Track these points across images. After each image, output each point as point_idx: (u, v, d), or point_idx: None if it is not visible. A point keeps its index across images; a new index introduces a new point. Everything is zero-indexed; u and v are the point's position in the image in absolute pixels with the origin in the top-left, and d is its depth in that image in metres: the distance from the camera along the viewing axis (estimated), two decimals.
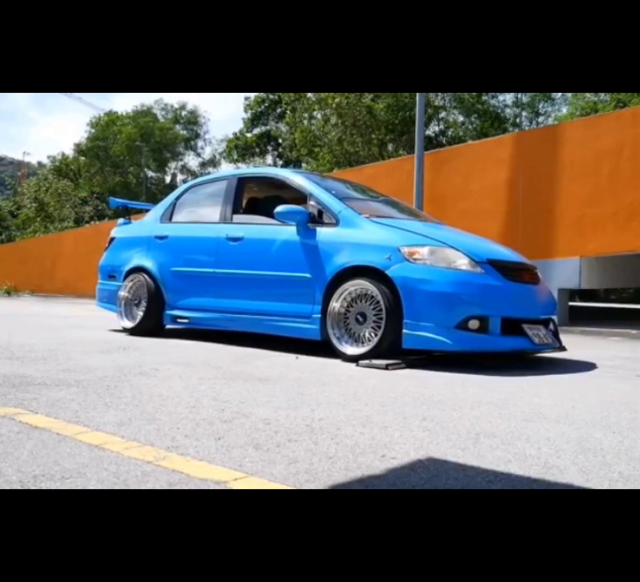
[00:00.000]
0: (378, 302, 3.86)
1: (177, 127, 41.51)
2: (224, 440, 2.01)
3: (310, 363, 3.89)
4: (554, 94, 26.04)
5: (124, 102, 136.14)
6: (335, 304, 4.04)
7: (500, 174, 8.85)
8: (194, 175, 41.70)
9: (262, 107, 31.12)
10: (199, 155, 41.89)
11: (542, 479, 1.70)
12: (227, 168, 35.47)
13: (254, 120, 31.97)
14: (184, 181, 42.19)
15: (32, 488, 1.48)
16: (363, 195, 5.21)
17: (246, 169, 5.71)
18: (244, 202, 5.41)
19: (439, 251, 3.85)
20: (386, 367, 3.67)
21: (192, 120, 41.67)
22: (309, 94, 22.86)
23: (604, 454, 1.95)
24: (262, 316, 4.52)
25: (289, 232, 4.43)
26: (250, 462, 1.79)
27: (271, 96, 29.47)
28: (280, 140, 29.51)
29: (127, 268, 5.66)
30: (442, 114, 24.75)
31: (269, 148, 32.22)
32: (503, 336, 3.78)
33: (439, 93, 23.64)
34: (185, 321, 5.17)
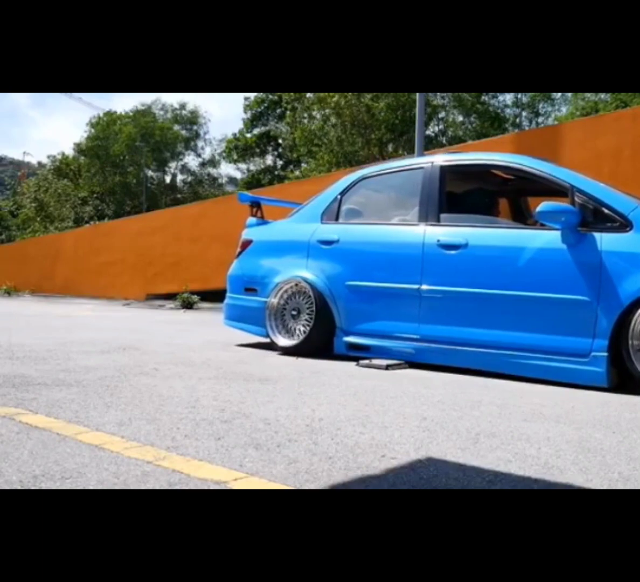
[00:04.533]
0: None
1: (177, 127, 41.54)
2: (224, 440, 2.01)
3: (310, 364, 3.89)
4: (554, 94, 26.05)
5: (124, 102, 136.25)
6: None
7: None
8: (194, 175, 41.68)
9: (262, 107, 31.14)
10: (199, 155, 41.90)
11: (542, 479, 1.70)
12: (226, 169, 35.39)
13: (254, 120, 32.00)
14: (185, 182, 42.26)
15: (33, 488, 1.48)
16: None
17: (445, 155, 4.32)
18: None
19: None
20: (386, 368, 3.67)
21: (193, 120, 41.68)
22: (309, 94, 22.87)
23: (604, 454, 1.95)
24: (502, 350, 3.41)
25: (546, 238, 3.35)
26: (250, 462, 1.79)
27: (271, 96, 29.50)
28: (280, 141, 29.52)
29: (277, 280, 4.37)
30: (442, 114, 24.77)
31: (269, 148, 32.24)
32: None
33: (439, 93, 23.67)
34: (364, 349, 3.98)
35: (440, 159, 4.07)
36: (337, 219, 4.32)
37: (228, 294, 4.85)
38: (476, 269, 3.54)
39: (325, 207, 4.40)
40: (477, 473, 1.75)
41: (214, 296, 11.61)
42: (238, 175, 37.05)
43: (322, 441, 2.04)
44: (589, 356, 3.13)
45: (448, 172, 3.95)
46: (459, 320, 3.58)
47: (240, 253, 4.82)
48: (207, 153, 41.21)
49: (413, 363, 3.81)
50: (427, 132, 21.46)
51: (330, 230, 4.24)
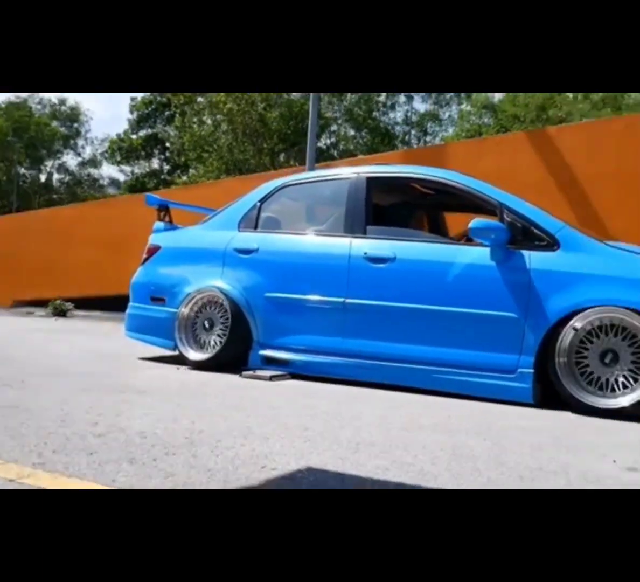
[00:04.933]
0: None
1: (56, 123, 39.60)
2: (96, 455, 1.95)
3: (192, 374, 3.83)
4: (441, 115, 27.51)
5: None
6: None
7: None
8: (73, 175, 39.85)
9: (150, 109, 30.40)
10: (79, 154, 40.13)
11: (417, 485, 1.79)
12: (109, 170, 34.10)
13: (141, 122, 31.14)
14: (62, 182, 40.27)
15: None
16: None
17: (371, 166, 4.28)
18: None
19: None
20: (270, 378, 3.69)
21: (73, 118, 39.90)
22: (200, 98, 22.63)
23: (475, 460, 2.08)
24: (429, 366, 3.42)
25: (475, 254, 3.40)
26: (124, 477, 1.75)
27: (159, 98, 28.87)
28: (167, 144, 28.90)
29: (188, 290, 4.16)
30: (334, 127, 25.38)
31: (156, 151, 31.47)
32: None
33: (331, 105, 24.27)
34: (283, 364, 3.87)
35: (367, 170, 4.03)
36: (256, 227, 4.19)
37: (131, 304, 4.57)
38: (404, 283, 3.53)
39: (243, 214, 4.27)
40: (355, 481, 1.81)
41: (90, 304, 11.13)
42: (121, 177, 35.85)
43: (202, 453, 2.03)
44: (515, 372, 3.19)
45: (374, 184, 3.93)
46: (385, 335, 3.55)
47: (146, 259, 4.55)
48: (87, 153, 39.52)
49: (297, 374, 3.86)
50: (319, 144, 21.90)
51: (249, 239, 4.11)
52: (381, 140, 24.89)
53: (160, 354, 4.61)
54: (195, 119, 22.63)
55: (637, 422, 2.88)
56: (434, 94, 26.67)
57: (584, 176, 7.18)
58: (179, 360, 4.26)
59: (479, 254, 3.38)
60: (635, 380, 2.95)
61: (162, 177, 28.60)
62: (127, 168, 33.21)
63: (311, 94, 9.16)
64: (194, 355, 4.05)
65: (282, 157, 21.44)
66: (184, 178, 25.14)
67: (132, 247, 11.29)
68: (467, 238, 3.66)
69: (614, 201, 6.91)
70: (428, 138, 27.51)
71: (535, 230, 3.31)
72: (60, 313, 11.30)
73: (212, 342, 4.03)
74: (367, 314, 3.62)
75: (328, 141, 25.29)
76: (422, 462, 2.04)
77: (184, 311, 4.14)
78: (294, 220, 4.32)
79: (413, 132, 27.88)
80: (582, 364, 3.04)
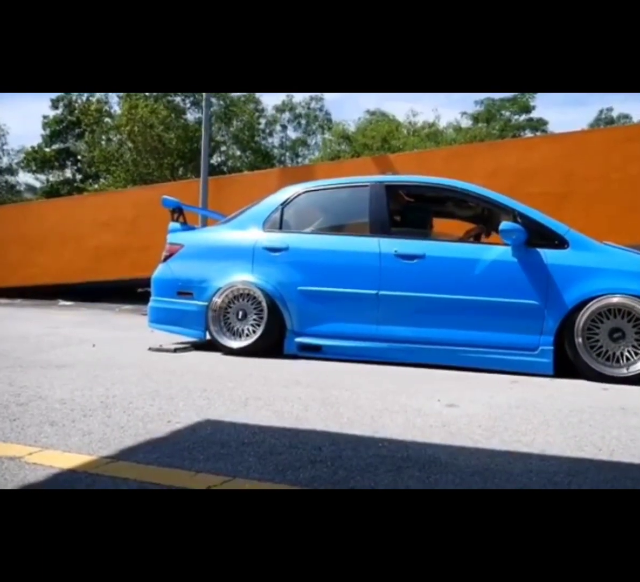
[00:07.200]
0: None
1: None
2: (19, 421, 1.79)
3: (107, 350, 3.61)
4: (310, 141, 27.79)
5: None
6: (580, 338, 3.05)
7: None
8: None
9: (61, 126, 28.03)
10: None
11: (294, 428, 1.82)
12: (25, 178, 31.18)
13: (53, 137, 28.65)
14: None
15: None
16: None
17: (387, 176, 4.15)
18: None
19: None
20: (174, 351, 3.57)
21: None
22: (107, 119, 21.31)
23: (338, 406, 2.15)
24: (463, 347, 3.27)
25: (498, 251, 3.30)
26: (45, 438, 1.63)
27: (69, 117, 26.69)
28: (79, 157, 26.86)
29: (219, 284, 3.73)
30: (224, 148, 24.88)
31: (68, 163, 29.12)
32: None
33: (220, 130, 23.76)
34: (316, 350, 3.54)
35: (386, 179, 3.85)
36: (280, 228, 3.86)
37: (154, 298, 4.06)
38: (436, 277, 3.39)
39: (267, 216, 3.90)
40: (245, 428, 1.81)
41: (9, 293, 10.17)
42: (37, 184, 32.79)
43: (115, 414, 1.93)
44: (537, 350, 3.14)
45: (391, 191, 3.74)
46: (420, 321, 3.40)
47: (168, 257, 4.06)
48: (4, 162, 35.68)
49: (200, 346, 3.76)
50: (211, 162, 21.38)
51: (277, 239, 3.77)
52: (262, 160, 24.76)
53: (76, 335, 4.31)
54: (103, 137, 21.22)
55: (457, 371, 3.08)
56: (303, 124, 26.92)
57: None
58: (88, 337, 4.00)
59: (502, 252, 3.29)
60: (636, 353, 2.98)
61: (75, 184, 26.55)
62: (43, 176, 30.47)
63: (203, 120, 8.90)
64: (231, 343, 3.67)
65: (180, 171, 20.65)
66: (96, 186, 23.50)
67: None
68: (474, 239, 3.94)
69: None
70: (299, 159, 27.77)
71: (546, 232, 3.27)
72: None
73: (247, 331, 3.69)
74: (400, 304, 3.42)
75: (219, 159, 24.74)
76: (298, 410, 2.07)
77: (217, 302, 3.72)
78: (317, 222, 4.02)
79: (288, 154, 27.99)
80: (594, 339, 3.06)
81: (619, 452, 1.67)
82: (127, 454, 1.52)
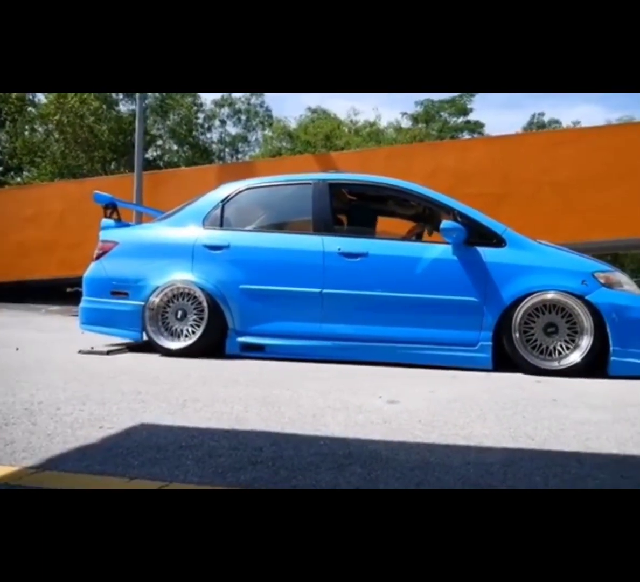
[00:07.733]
0: (575, 324, 3.12)
1: None
2: None
3: (32, 353, 3.41)
4: (250, 137, 27.49)
5: None
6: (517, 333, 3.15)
7: None
8: None
9: None
10: None
11: (234, 429, 1.78)
12: None
13: None
14: None
15: None
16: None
17: (331, 174, 3.94)
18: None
19: (621, 277, 3.31)
20: (107, 353, 3.43)
21: None
22: (31, 108, 20.11)
23: (279, 406, 2.13)
24: (406, 344, 3.29)
25: (439, 250, 3.34)
26: None
27: None
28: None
29: (157, 283, 3.58)
30: (160, 142, 24.12)
31: None
32: None
33: (156, 123, 23.06)
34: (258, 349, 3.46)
35: (329, 177, 3.80)
36: (221, 225, 3.74)
37: (86, 298, 3.84)
38: (379, 275, 3.39)
39: (207, 213, 3.78)
40: (183, 431, 1.75)
41: None
42: None
43: (41, 421, 1.81)
44: (477, 345, 3.20)
45: (333, 189, 3.71)
46: (363, 319, 3.39)
47: (100, 255, 3.84)
48: None
49: (134, 347, 3.62)
50: (146, 156, 20.67)
51: (218, 236, 3.66)
52: (200, 155, 24.22)
53: None
54: (27, 127, 20.03)
55: (400, 368, 3.14)
56: (243, 120, 26.55)
57: None
58: (11, 340, 3.77)
59: (443, 250, 3.34)
60: (568, 347, 3.11)
61: None
62: None
63: (137, 112, 8.59)
64: (169, 343, 3.53)
65: (113, 165, 19.83)
66: (18, 179, 22.16)
67: None
68: (416, 237, 3.99)
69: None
70: (239, 155, 27.38)
71: (485, 231, 3.34)
72: None
73: (186, 332, 3.56)
74: (344, 302, 3.41)
75: (154, 153, 23.95)
76: (238, 410, 2.03)
77: (156, 301, 3.57)
78: (259, 220, 3.93)
79: (227, 150, 27.54)
80: (529, 333, 3.16)
81: (551, 441, 1.75)
82: (55, 463, 1.44)
